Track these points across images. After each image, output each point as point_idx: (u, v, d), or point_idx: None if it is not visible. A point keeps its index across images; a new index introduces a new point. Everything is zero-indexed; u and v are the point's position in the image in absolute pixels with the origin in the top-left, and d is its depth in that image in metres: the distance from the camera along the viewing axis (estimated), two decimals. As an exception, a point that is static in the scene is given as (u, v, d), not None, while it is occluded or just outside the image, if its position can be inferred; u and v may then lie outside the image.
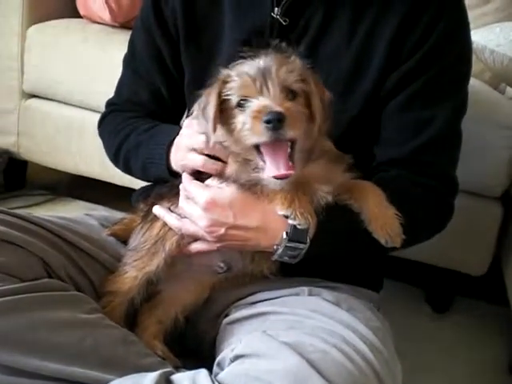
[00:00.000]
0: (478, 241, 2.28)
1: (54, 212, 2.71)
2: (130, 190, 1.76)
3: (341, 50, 1.47)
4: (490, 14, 2.80)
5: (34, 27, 2.69)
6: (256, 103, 1.21)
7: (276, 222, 1.31)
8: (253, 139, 1.22)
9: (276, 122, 1.18)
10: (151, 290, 1.45)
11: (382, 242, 1.31)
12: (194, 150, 1.40)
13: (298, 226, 1.28)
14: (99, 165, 2.60)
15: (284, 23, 1.48)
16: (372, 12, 1.45)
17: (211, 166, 1.38)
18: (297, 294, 1.41)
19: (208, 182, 1.38)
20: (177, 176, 1.48)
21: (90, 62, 2.57)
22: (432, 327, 2.37)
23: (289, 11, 1.48)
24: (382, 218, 1.32)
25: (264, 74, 1.23)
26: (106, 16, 2.66)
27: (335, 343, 1.22)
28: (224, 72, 1.29)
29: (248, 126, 1.22)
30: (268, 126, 1.18)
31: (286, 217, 1.28)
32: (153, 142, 1.56)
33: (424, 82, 1.44)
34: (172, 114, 1.72)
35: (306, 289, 1.42)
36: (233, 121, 1.25)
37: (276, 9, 1.48)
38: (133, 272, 1.41)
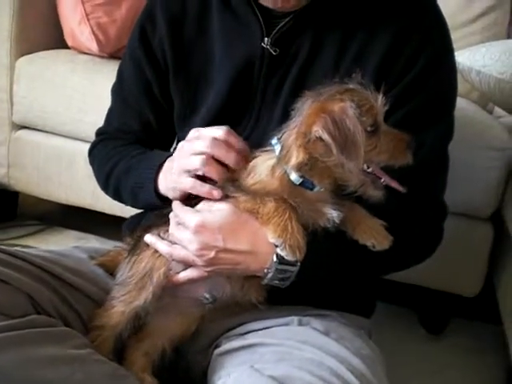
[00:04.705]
0: (469, 262, 2.28)
1: (46, 242, 2.74)
2: (121, 219, 1.76)
3: (329, 77, 1.47)
4: (477, 33, 2.82)
5: (22, 58, 2.70)
6: (392, 130, 1.30)
7: (266, 245, 1.31)
8: (399, 161, 1.29)
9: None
10: (138, 323, 1.44)
11: (369, 245, 1.32)
12: (187, 171, 1.40)
13: (286, 257, 1.28)
14: (90, 195, 2.59)
15: (274, 53, 1.49)
16: (358, 40, 1.46)
17: (200, 188, 1.37)
18: (286, 324, 1.41)
19: (199, 206, 1.38)
20: (166, 201, 1.47)
21: (79, 92, 2.57)
22: (427, 349, 2.36)
23: (279, 41, 1.48)
24: (364, 224, 1.33)
25: (379, 102, 1.28)
26: (93, 47, 2.67)
27: (324, 376, 1.21)
28: (348, 96, 1.26)
29: (391, 149, 1.27)
30: (411, 150, 1.28)
31: (276, 246, 1.29)
32: (142, 167, 1.56)
33: (410, 109, 1.44)
34: (161, 143, 1.72)
35: (295, 318, 1.41)
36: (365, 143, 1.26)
37: (266, 39, 1.48)
38: (120, 307, 1.40)
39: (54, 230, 2.91)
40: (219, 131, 1.39)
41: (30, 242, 2.73)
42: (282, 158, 1.29)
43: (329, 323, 1.41)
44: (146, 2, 1.69)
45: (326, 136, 1.22)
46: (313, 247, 1.30)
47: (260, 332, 1.41)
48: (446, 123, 1.51)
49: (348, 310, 1.52)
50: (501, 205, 2.19)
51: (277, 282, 1.34)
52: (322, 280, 1.43)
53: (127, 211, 1.73)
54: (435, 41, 1.47)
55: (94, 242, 2.75)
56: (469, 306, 2.48)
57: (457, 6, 2.81)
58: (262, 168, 1.33)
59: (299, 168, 1.28)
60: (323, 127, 1.22)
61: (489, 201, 2.18)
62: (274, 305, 1.44)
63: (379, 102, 1.27)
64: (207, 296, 1.42)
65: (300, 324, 1.40)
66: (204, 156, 1.37)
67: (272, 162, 1.32)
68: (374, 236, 1.32)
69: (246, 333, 1.43)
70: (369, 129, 1.25)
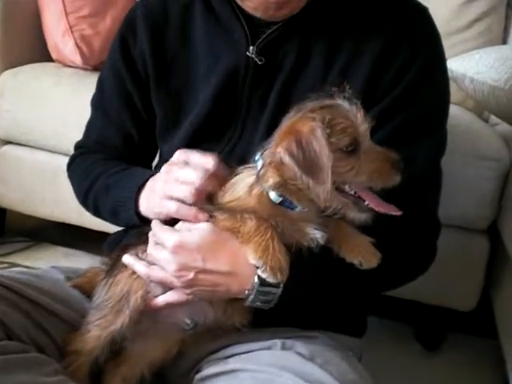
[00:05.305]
0: (466, 275, 2.24)
1: (34, 259, 2.73)
2: (108, 235, 1.72)
3: (316, 88, 1.42)
4: (471, 39, 2.80)
5: (6, 72, 2.68)
6: (378, 148, 1.23)
7: (247, 266, 1.25)
8: (381, 182, 1.21)
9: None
10: (116, 347, 1.39)
11: (356, 263, 1.26)
12: (172, 197, 1.34)
13: (267, 279, 1.23)
14: (75, 210, 2.51)
15: (260, 62, 1.44)
16: (346, 50, 1.41)
17: (185, 211, 1.32)
18: (269, 348, 1.35)
19: (178, 226, 1.33)
20: (146, 221, 1.42)
21: (64, 106, 2.55)
22: (423, 365, 2.32)
23: (264, 50, 1.44)
24: (351, 241, 1.28)
25: (360, 120, 1.21)
26: (77, 60, 2.67)
27: None
28: (320, 115, 1.20)
29: (373, 169, 1.20)
30: (399, 171, 1.21)
31: (257, 267, 1.23)
32: (122, 185, 1.51)
33: (401, 121, 1.40)
34: (143, 156, 1.68)
35: (278, 342, 1.36)
36: (340, 164, 1.19)
37: (251, 48, 1.44)
38: (96, 331, 1.35)
39: (42, 247, 2.89)
40: (210, 162, 1.33)
41: (17, 259, 2.72)
42: (261, 176, 1.25)
43: (314, 347, 1.35)
44: (127, 12, 1.65)
45: (287, 158, 1.18)
46: (296, 268, 1.25)
47: (241, 356, 1.36)
48: (438, 136, 1.46)
49: (337, 330, 1.47)
50: (497, 217, 2.14)
51: (259, 304, 1.29)
52: (308, 301, 1.37)
53: (112, 227, 1.68)
54: (426, 51, 1.43)
55: (83, 259, 2.74)
56: (465, 320, 2.44)
57: (451, 12, 2.78)
58: (241, 185, 1.28)
59: (277, 187, 1.24)
60: (286, 149, 1.18)
61: (484, 212, 2.14)
62: (259, 327, 1.38)
63: (360, 119, 1.21)
64: (188, 321, 1.37)
65: (283, 347, 1.35)
66: (193, 188, 1.31)
67: (251, 179, 1.27)
68: (361, 254, 1.26)
69: (228, 356, 1.38)
70: (345, 148, 1.19)
